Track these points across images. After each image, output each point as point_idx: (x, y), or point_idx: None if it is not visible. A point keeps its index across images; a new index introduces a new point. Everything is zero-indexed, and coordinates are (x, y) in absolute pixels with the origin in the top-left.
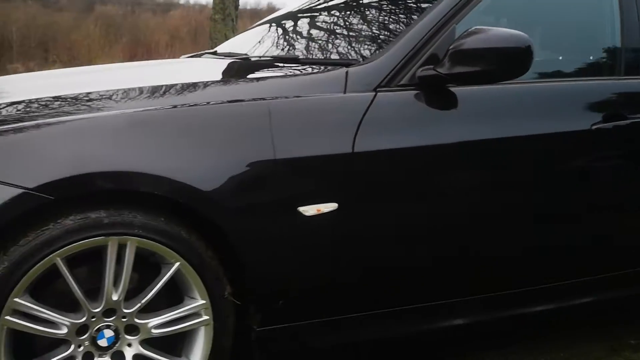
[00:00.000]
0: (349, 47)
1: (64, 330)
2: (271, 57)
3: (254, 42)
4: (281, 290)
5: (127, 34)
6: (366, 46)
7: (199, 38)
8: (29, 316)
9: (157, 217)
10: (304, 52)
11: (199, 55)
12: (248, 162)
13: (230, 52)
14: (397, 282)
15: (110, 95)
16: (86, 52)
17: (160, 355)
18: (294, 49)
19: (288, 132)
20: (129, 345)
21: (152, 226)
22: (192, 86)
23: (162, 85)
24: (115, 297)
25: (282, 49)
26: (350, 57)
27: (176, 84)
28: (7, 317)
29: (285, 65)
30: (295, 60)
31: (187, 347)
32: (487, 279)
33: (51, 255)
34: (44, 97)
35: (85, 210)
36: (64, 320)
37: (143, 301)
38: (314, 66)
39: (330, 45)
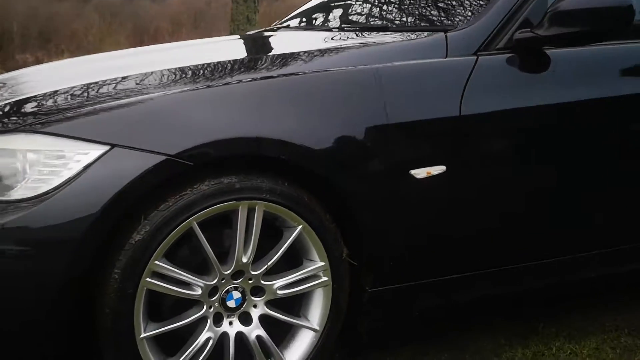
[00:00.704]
0: (437, 12)
1: (199, 292)
2: (357, 27)
3: (327, 14)
4: (392, 251)
5: (128, 22)
6: (458, 11)
7: (199, 23)
8: (165, 278)
9: (282, 181)
10: (386, 20)
11: (274, 29)
12: (364, 127)
13: (309, 25)
14: (503, 243)
15: (226, 65)
16: (91, 41)
17: (285, 316)
18: (374, 17)
19: (398, 96)
20: (255, 306)
21: (278, 190)
22: (302, 55)
23: (274, 55)
24: (244, 260)
25: (362, 19)
26: (439, 23)
27: (286, 54)
28: (148, 279)
29: (376, 33)
30: (383, 28)
31: (304, 308)
32: (586, 238)
33: (189, 220)
34: (158, 70)
35: (218, 176)
36: (198, 282)
37: (270, 263)
38: (409, 33)
39: (415, 12)
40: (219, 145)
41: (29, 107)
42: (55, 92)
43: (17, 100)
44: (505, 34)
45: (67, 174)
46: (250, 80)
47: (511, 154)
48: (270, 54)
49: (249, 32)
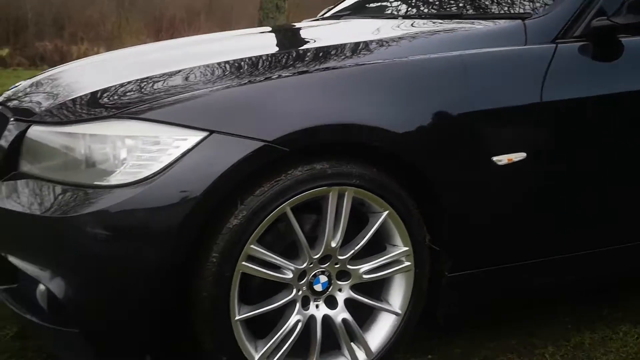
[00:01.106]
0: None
1: (290, 275)
2: (428, 14)
3: (390, 1)
4: (473, 236)
5: (142, 10)
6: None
7: (215, 12)
8: (258, 262)
9: (370, 168)
10: (454, 8)
11: (338, 17)
12: (450, 114)
13: (375, 13)
14: (580, 229)
15: (316, 52)
16: (109, 29)
17: (369, 300)
18: (443, 5)
19: (482, 84)
20: (340, 290)
21: (368, 176)
22: (387, 42)
23: (359, 42)
24: (333, 244)
25: (430, 6)
26: (513, 10)
27: (371, 41)
28: (244, 263)
29: (449, 21)
30: (456, 16)
31: (385, 292)
32: None
33: (282, 205)
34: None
35: (311, 161)
36: (289, 265)
37: (357, 247)
38: (483, 20)
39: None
40: (315, 132)
41: (116, 96)
42: (133, 81)
43: (97, 91)
44: (582, 21)
45: (166, 160)
46: (343, 67)
47: (590, 141)
48: (354, 41)
49: (309, 20)
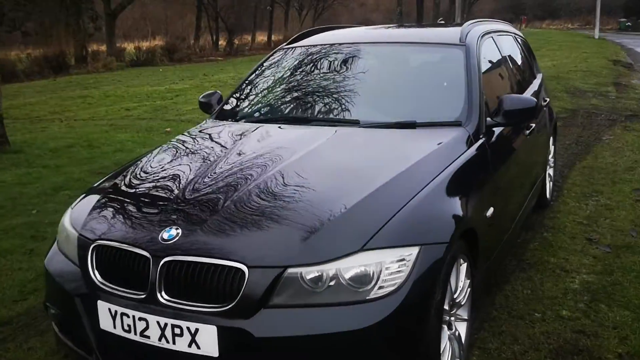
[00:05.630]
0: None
1: (448, 317)
2: (391, 123)
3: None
4: (486, 254)
5: None
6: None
7: None
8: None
9: (461, 241)
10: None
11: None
12: (472, 197)
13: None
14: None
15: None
16: None
17: (461, 317)
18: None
19: (476, 173)
20: (451, 316)
21: (463, 246)
22: (431, 156)
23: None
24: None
25: (379, 115)
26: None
27: (421, 160)
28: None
29: (407, 129)
30: (412, 125)
31: (457, 310)
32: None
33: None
34: None
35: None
36: (446, 310)
37: (460, 288)
38: (436, 127)
39: (426, 106)
40: (457, 228)
41: (339, 234)
42: (339, 215)
43: (325, 234)
44: (484, 123)
45: (405, 271)
46: (442, 178)
47: (511, 186)
48: (419, 157)
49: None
